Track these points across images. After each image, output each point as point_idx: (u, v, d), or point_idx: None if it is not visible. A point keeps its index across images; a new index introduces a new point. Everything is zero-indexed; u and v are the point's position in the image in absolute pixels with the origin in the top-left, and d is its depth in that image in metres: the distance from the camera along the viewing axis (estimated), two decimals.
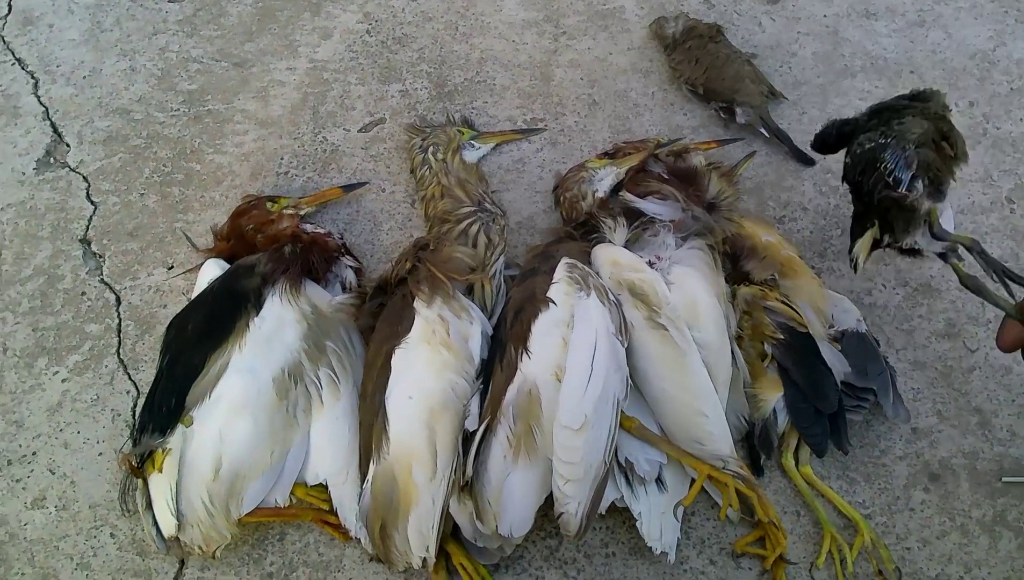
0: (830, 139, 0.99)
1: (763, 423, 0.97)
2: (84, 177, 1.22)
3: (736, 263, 1.07)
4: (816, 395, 0.96)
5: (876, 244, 0.91)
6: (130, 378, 1.05)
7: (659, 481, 0.92)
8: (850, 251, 0.93)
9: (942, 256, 0.92)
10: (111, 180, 1.22)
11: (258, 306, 0.98)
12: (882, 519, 0.94)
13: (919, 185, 0.86)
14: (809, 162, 1.21)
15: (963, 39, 1.35)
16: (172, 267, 1.14)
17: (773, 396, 0.97)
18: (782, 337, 0.99)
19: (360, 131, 1.26)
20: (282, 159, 1.23)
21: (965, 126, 1.25)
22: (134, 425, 1.01)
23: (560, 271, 0.95)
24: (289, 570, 0.92)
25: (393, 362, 0.92)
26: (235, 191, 1.20)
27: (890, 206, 0.88)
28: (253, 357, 0.94)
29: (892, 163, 0.87)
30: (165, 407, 0.92)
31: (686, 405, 0.92)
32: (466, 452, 0.86)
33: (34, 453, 1.00)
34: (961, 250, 0.92)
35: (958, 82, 1.30)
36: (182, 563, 0.93)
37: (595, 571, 0.91)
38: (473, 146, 1.19)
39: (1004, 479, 0.96)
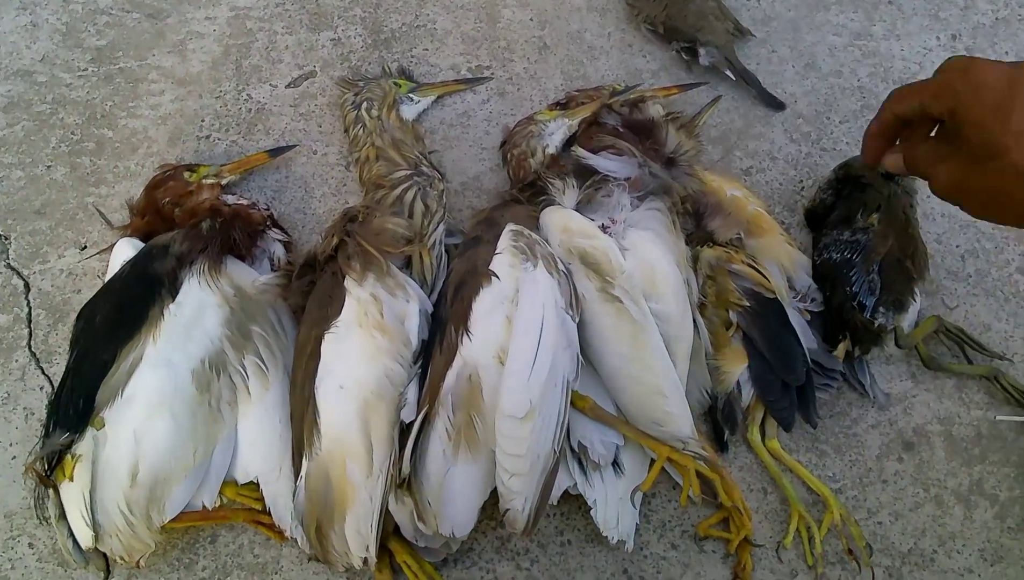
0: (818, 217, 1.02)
1: (727, 397, 0.91)
2: None
3: (699, 222, 0.99)
4: (783, 367, 0.90)
5: (848, 355, 0.92)
6: (43, 372, 0.97)
7: (615, 464, 0.86)
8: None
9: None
10: (14, 152, 1.11)
11: (174, 291, 0.89)
12: (853, 493, 0.88)
13: (882, 311, 0.91)
14: (779, 106, 1.12)
15: None
16: (86, 247, 1.04)
17: (738, 368, 0.91)
18: (748, 304, 0.91)
19: (288, 87, 1.15)
20: (203, 121, 1.12)
21: None
22: (44, 426, 0.93)
23: (504, 240, 0.87)
24: (223, 574, 0.86)
25: (323, 348, 0.83)
26: (152, 159, 1.09)
27: (858, 324, 0.91)
28: (170, 349, 0.86)
29: (857, 286, 0.91)
30: (72, 409, 0.83)
31: (643, 384, 0.85)
32: (403, 446, 0.79)
33: None
34: None
35: (939, 12, 1.20)
36: (107, 573, 0.86)
37: (550, 561, 0.86)
38: (412, 100, 1.09)
39: (998, 417, 0.91)
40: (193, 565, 0.86)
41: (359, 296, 0.85)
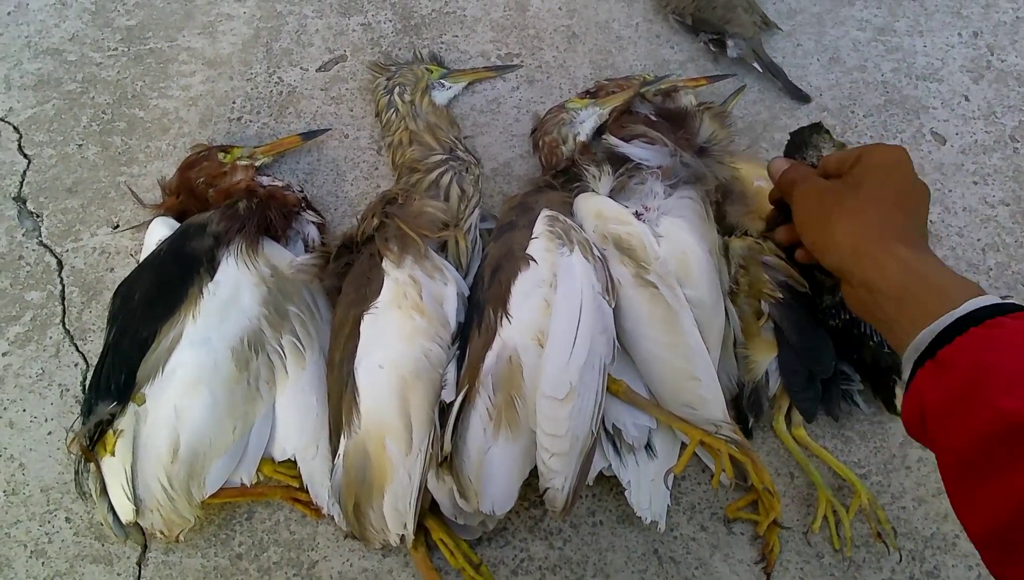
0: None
1: (754, 385, 0.92)
2: (15, 127, 1.11)
3: (719, 208, 1.00)
4: (812, 358, 0.91)
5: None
6: (77, 350, 0.97)
7: (648, 447, 0.87)
8: (842, 407, 0.93)
9: None
10: (45, 130, 1.11)
11: (211, 270, 0.90)
12: (878, 479, 0.90)
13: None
14: (804, 99, 1.13)
15: None
16: (118, 226, 1.05)
17: (766, 357, 0.92)
18: (781, 296, 0.93)
19: (319, 70, 1.16)
20: (234, 103, 1.13)
21: (968, 59, 1.18)
22: (84, 401, 0.93)
23: (540, 225, 0.88)
24: (259, 550, 0.87)
25: (362, 329, 0.85)
26: (183, 140, 1.10)
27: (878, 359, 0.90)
28: (208, 327, 0.86)
29: (877, 335, 0.90)
30: (114, 385, 0.84)
31: (677, 368, 0.86)
32: (443, 425, 0.81)
33: None
34: None
35: (962, 10, 1.22)
36: (145, 547, 0.87)
37: (582, 541, 0.87)
38: (443, 86, 1.10)
39: None
40: (230, 541, 0.87)
41: (397, 278, 0.86)
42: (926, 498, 0.89)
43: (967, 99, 1.15)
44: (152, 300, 0.88)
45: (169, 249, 0.92)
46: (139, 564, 0.87)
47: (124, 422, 0.83)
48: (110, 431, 0.83)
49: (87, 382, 0.95)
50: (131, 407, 0.84)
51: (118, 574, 0.86)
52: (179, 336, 0.86)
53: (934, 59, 1.18)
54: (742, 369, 0.92)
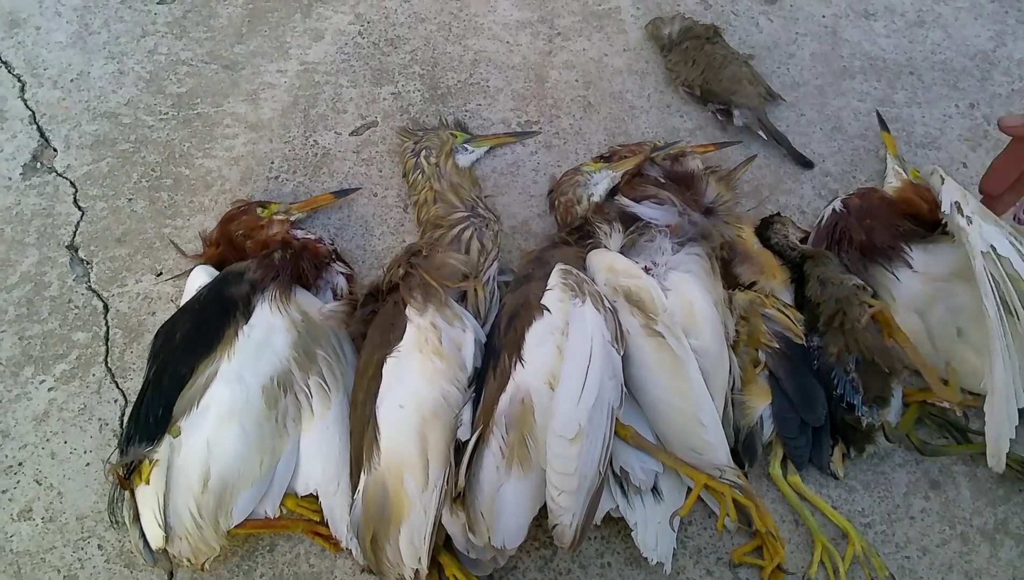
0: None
1: (749, 430, 0.95)
2: (71, 182, 1.20)
3: (727, 266, 1.05)
4: (805, 407, 0.95)
5: (844, 456, 0.96)
6: (118, 387, 1.04)
7: (655, 490, 0.91)
8: (827, 467, 0.96)
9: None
10: (99, 185, 1.20)
11: (247, 314, 0.96)
12: (882, 528, 0.92)
13: (865, 409, 0.93)
14: (808, 165, 1.20)
15: (963, 39, 1.34)
16: (160, 274, 1.12)
17: (761, 404, 0.96)
18: (777, 345, 0.97)
19: (351, 134, 1.25)
20: (272, 163, 1.22)
21: (966, 128, 1.24)
22: (121, 435, 0.99)
23: (555, 277, 0.94)
24: None
25: (384, 370, 0.90)
26: (224, 196, 1.18)
27: (848, 425, 0.94)
28: (242, 366, 0.92)
29: (841, 388, 0.94)
30: (152, 417, 0.90)
31: (683, 413, 0.90)
32: (458, 462, 0.85)
33: (20, 463, 0.99)
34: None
35: (958, 83, 1.29)
36: (171, 575, 0.91)
37: None
38: (467, 149, 1.18)
39: None
40: (252, 572, 0.91)
41: (419, 324, 0.92)
42: (931, 548, 0.91)
43: (965, 166, 1.20)
44: (191, 340, 0.94)
45: (209, 293, 0.99)
46: None
47: (160, 452, 0.89)
48: (146, 460, 0.88)
49: (125, 416, 1.01)
50: (167, 438, 0.89)
51: None
52: (214, 374, 0.92)
53: (932, 128, 1.25)
54: (738, 413, 0.96)
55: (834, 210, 1.08)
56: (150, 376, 0.94)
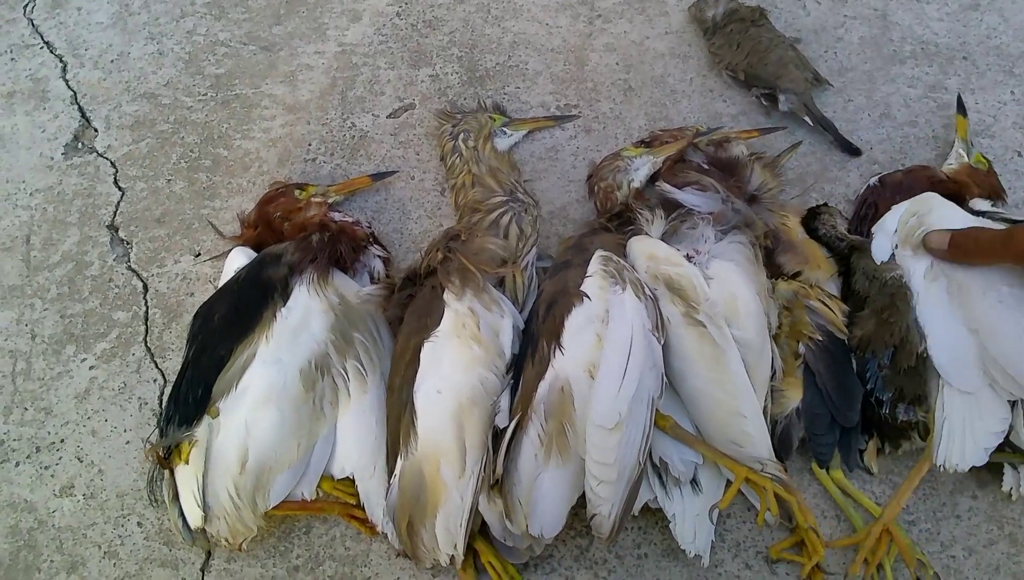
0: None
1: (785, 422, 0.93)
2: (112, 163, 1.21)
3: (770, 256, 1.03)
4: (843, 404, 0.92)
5: (879, 450, 0.94)
6: (157, 366, 1.04)
7: (694, 482, 0.89)
8: (860, 461, 0.94)
9: None
10: (139, 166, 1.21)
11: (285, 296, 0.96)
12: (927, 526, 0.90)
13: (902, 407, 0.91)
14: (855, 152, 1.16)
15: (1020, 24, 1.29)
16: (199, 254, 1.13)
17: (797, 396, 0.93)
18: (820, 338, 0.95)
19: (389, 117, 1.24)
20: (310, 145, 1.21)
21: (1021, 116, 1.20)
22: (160, 414, 1.00)
23: (594, 264, 0.92)
24: (315, 563, 0.91)
25: (422, 356, 0.89)
26: (263, 178, 1.18)
27: (882, 421, 0.92)
28: (280, 348, 0.93)
29: (872, 382, 0.92)
30: (191, 398, 0.91)
31: (724, 405, 0.89)
32: (496, 449, 0.84)
33: (62, 440, 1.00)
34: None
35: (1014, 68, 1.24)
36: (209, 554, 0.92)
37: (627, 572, 0.89)
38: (505, 133, 1.16)
39: None
40: (288, 553, 0.92)
41: (457, 309, 0.91)
42: (977, 548, 0.89)
43: (1020, 155, 1.16)
44: (230, 322, 0.95)
45: (247, 276, 0.99)
46: (203, 570, 0.91)
47: (199, 432, 0.89)
48: (185, 441, 0.89)
49: (164, 395, 1.02)
50: (206, 419, 0.90)
51: (183, 578, 0.91)
52: (253, 356, 0.92)
53: (986, 116, 1.20)
54: (774, 403, 0.93)
55: (869, 185, 1.07)
56: (189, 357, 0.95)
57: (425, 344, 0.90)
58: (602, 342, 0.86)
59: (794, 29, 1.29)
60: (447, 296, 0.92)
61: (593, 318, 0.88)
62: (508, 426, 0.85)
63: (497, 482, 0.83)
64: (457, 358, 0.88)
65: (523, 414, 0.85)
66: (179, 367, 1.01)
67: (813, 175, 1.16)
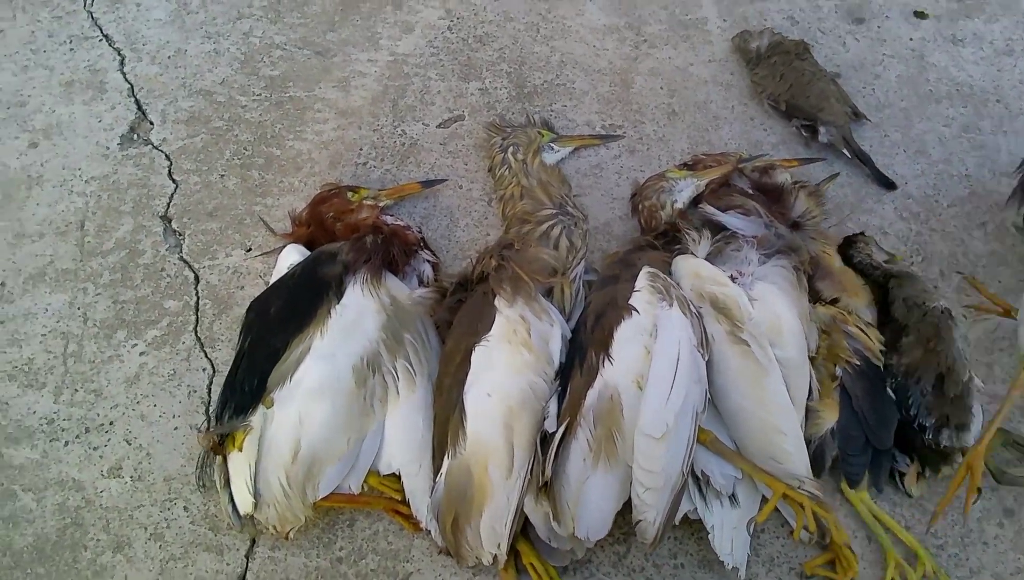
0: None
1: (819, 441, 0.96)
2: (167, 155, 1.24)
3: (809, 281, 1.06)
4: (879, 425, 0.95)
5: (920, 475, 0.97)
6: (206, 356, 1.07)
7: (731, 496, 0.92)
8: (896, 483, 0.97)
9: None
10: (193, 160, 1.24)
11: (339, 294, 0.99)
12: (955, 551, 0.93)
13: (945, 433, 0.94)
14: (891, 186, 1.20)
15: None
16: (250, 249, 1.15)
17: (832, 417, 0.96)
18: (857, 363, 0.98)
19: (439, 126, 1.27)
20: (361, 149, 1.25)
21: None
22: (208, 403, 1.02)
23: (642, 280, 0.95)
24: (358, 556, 0.93)
25: (473, 359, 0.92)
26: (314, 179, 1.21)
27: (924, 446, 0.95)
28: (334, 344, 0.95)
29: (915, 409, 0.95)
30: (247, 387, 0.93)
31: (764, 422, 0.92)
32: (545, 453, 0.87)
33: (112, 423, 1.02)
34: None
35: None
36: (253, 541, 0.94)
37: None
38: (552, 149, 1.20)
39: None
40: (332, 544, 0.94)
41: (509, 315, 0.94)
42: (1004, 576, 0.91)
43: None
44: (285, 316, 0.97)
45: (303, 272, 1.02)
46: (247, 557, 0.93)
47: (254, 421, 0.91)
48: (240, 429, 0.91)
49: (213, 384, 1.04)
50: (260, 409, 0.92)
51: (227, 563, 0.93)
52: (307, 350, 0.95)
53: (1017, 157, 1.24)
54: (809, 422, 0.96)
55: None
56: (245, 348, 0.97)
57: (476, 348, 0.93)
58: (650, 355, 0.89)
59: (834, 64, 1.33)
60: (499, 302, 0.95)
61: (642, 331, 0.91)
62: (557, 431, 0.87)
63: (545, 484, 0.86)
64: (508, 363, 0.91)
65: (572, 420, 0.88)
66: (229, 357, 1.04)
67: (849, 206, 1.19)
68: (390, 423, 0.96)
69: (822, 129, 1.22)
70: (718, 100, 1.30)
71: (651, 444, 0.84)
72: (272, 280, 1.06)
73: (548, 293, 1.02)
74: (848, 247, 1.08)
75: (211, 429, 0.93)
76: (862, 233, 1.11)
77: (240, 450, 0.91)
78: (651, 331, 0.91)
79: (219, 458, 0.93)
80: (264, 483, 0.90)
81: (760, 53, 1.29)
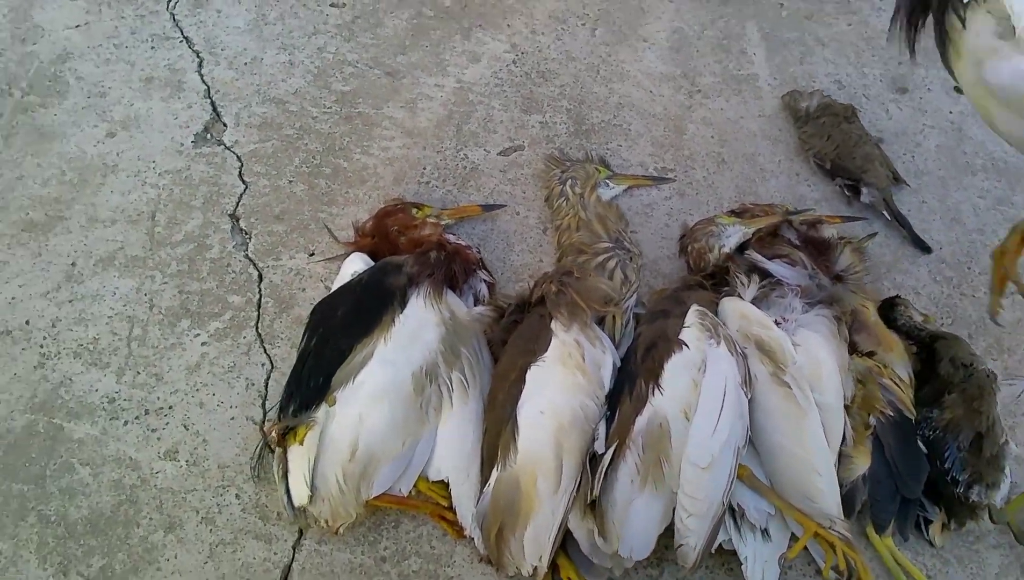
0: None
1: (850, 486, 1.00)
2: (238, 157, 1.30)
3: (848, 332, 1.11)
4: (910, 476, 1.00)
5: (944, 526, 1.01)
6: (266, 352, 1.11)
7: (764, 531, 0.96)
8: (922, 532, 1.01)
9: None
10: (263, 163, 1.29)
11: (403, 304, 1.04)
12: None
13: (976, 488, 0.99)
14: (926, 249, 1.26)
15: None
16: (313, 253, 1.20)
17: (864, 464, 1.01)
18: (892, 414, 1.03)
19: (499, 154, 1.33)
20: (424, 169, 1.30)
21: None
22: (265, 396, 1.06)
23: (692, 317, 1.00)
24: (401, 557, 0.97)
25: (528, 377, 0.97)
26: (378, 192, 1.27)
27: (954, 499, 1.00)
28: (396, 351, 1.00)
29: (950, 462, 1.00)
30: (313, 384, 0.98)
31: (802, 461, 0.96)
32: (594, 472, 0.91)
33: (170, 407, 1.06)
34: None
35: None
36: (301, 533, 0.98)
37: None
38: (608, 185, 1.25)
39: None
40: (376, 543, 0.98)
41: (564, 339, 0.99)
42: None
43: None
44: (352, 320, 1.02)
45: (369, 280, 1.07)
46: (294, 548, 0.97)
47: (318, 417, 0.96)
48: (304, 424, 0.95)
49: (271, 380, 1.08)
50: (323, 407, 0.97)
51: (274, 552, 0.96)
52: (371, 354, 1.00)
53: None
54: (842, 467, 1.00)
55: None
56: (311, 346, 1.02)
57: (532, 367, 0.97)
58: (698, 388, 0.94)
59: (877, 129, 1.40)
60: (555, 325, 1.00)
61: (691, 366, 0.96)
62: (606, 452, 0.92)
63: (593, 502, 0.90)
64: (561, 383, 0.96)
65: (621, 443, 0.92)
66: (287, 355, 1.09)
67: (886, 265, 1.25)
68: (442, 431, 1.00)
69: (864, 190, 1.28)
70: (766, 153, 1.37)
71: (697, 473, 0.88)
72: (335, 285, 1.11)
73: (600, 322, 1.07)
74: (890, 309, 1.13)
75: (278, 421, 0.97)
76: (899, 296, 1.16)
77: (301, 444, 0.95)
78: (700, 366, 0.96)
79: (279, 450, 0.97)
80: (321, 478, 0.94)
81: (810, 113, 1.35)
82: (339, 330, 1.02)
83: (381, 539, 0.98)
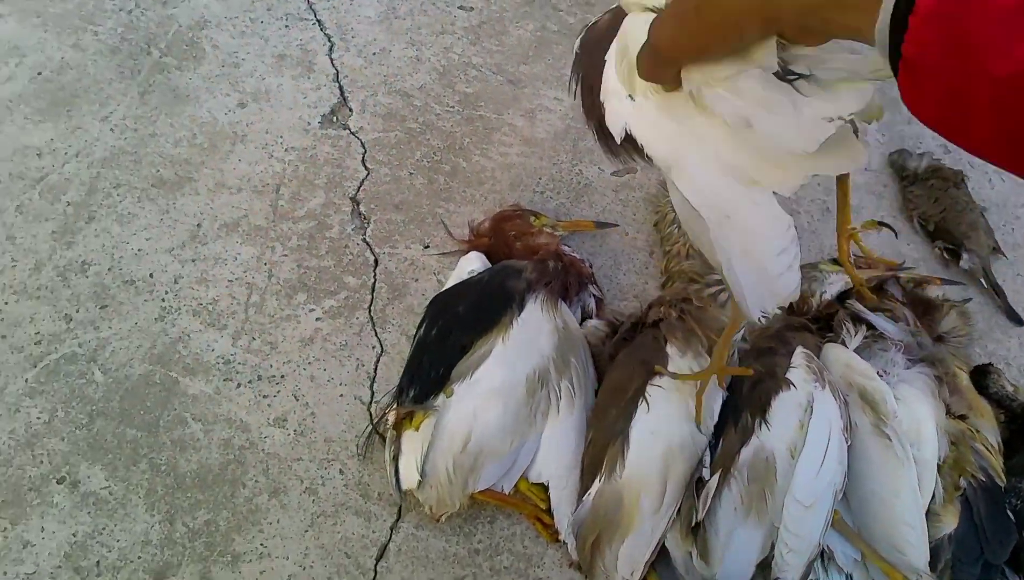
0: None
1: (936, 543, 1.03)
2: (362, 143, 1.34)
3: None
4: (997, 543, 1.02)
5: None
6: (376, 335, 1.15)
7: (849, 576, 0.99)
8: None
9: None
10: (385, 152, 1.33)
11: (521, 308, 1.07)
12: None
13: None
14: (1019, 321, 1.28)
15: None
16: (428, 246, 1.24)
17: (951, 524, 1.03)
18: (982, 478, 1.05)
19: (613, 174, 1.36)
20: (540, 179, 1.34)
21: None
22: (374, 378, 1.10)
23: (799, 358, 1.03)
24: (494, 552, 1.00)
25: (645, 396, 1.00)
26: (494, 195, 1.30)
27: None
28: (514, 353, 1.03)
29: None
30: (433, 374, 1.01)
31: (895, 512, 0.98)
32: (699, 496, 0.94)
33: (282, 376, 1.10)
34: None
35: None
36: (399, 516, 1.01)
37: None
38: None
39: None
40: (471, 536, 1.01)
41: (680, 366, 1.02)
42: None
43: None
44: (473, 316, 1.06)
45: (491, 280, 1.10)
46: (392, 529, 1.00)
47: (437, 406, 0.99)
48: (422, 411, 0.99)
49: (381, 363, 1.12)
50: (441, 397, 1.00)
51: (373, 531, 1.00)
52: (489, 352, 1.03)
53: None
54: (929, 524, 1.02)
55: None
56: (431, 336, 1.05)
57: (650, 386, 1.00)
58: (804, 428, 0.97)
59: (978, 198, 1.42)
60: (671, 349, 1.03)
61: (799, 405, 0.99)
62: (712, 479, 0.95)
63: (696, 526, 0.93)
64: (676, 409, 0.99)
65: (725, 471, 0.95)
66: (397, 340, 1.13)
67: (979, 332, 1.27)
68: (547, 435, 1.03)
69: (965, 256, 1.30)
70: (869, 207, 1.39)
71: (800, 510, 0.91)
72: (449, 280, 1.15)
73: (708, 351, 1.10)
74: (983, 376, 1.16)
75: (399, 405, 1.00)
76: (991, 364, 1.19)
77: (416, 430, 0.99)
78: (807, 407, 0.99)
79: (392, 433, 1.00)
80: (432, 465, 0.97)
81: (918, 174, 1.38)
82: (459, 325, 1.05)
83: (476, 532, 1.01)
